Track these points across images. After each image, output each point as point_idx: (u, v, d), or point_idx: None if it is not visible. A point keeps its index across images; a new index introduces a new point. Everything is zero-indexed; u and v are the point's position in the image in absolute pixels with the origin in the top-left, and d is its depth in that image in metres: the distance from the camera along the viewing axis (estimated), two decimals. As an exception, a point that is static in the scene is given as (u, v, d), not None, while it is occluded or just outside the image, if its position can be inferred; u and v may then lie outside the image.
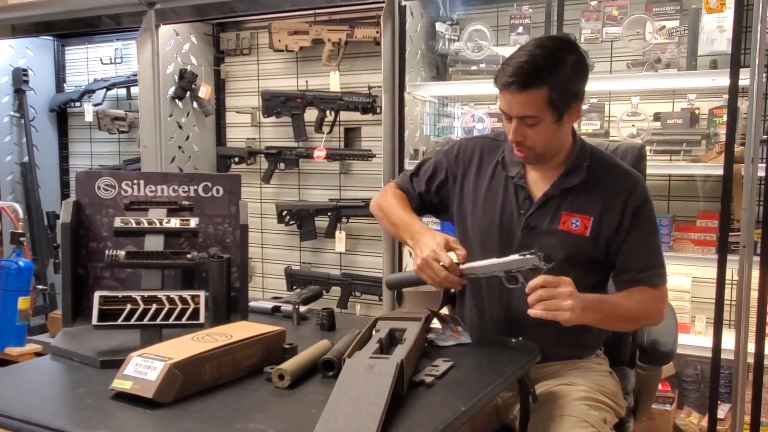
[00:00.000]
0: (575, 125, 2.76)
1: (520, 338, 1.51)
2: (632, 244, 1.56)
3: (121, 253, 1.40)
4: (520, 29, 2.79)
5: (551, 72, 1.46)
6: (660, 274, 1.58)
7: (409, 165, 2.85)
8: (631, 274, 1.57)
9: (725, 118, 2.37)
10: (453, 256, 1.51)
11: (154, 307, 1.34)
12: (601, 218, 1.57)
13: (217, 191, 1.59)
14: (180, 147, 3.50)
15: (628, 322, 1.63)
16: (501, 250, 1.60)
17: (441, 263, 1.48)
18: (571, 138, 1.63)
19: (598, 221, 1.56)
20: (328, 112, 3.27)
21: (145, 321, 1.33)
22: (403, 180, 1.82)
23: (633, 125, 2.71)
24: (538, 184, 1.62)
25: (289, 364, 1.22)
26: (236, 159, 3.56)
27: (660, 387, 2.57)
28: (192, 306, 1.35)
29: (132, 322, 1.33)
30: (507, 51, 2.61)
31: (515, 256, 1.44)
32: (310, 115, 3.33)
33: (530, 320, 1.58)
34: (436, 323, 1.53)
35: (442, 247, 1.50)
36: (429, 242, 1.52)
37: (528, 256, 1.42)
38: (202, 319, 1.34)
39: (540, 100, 1.46)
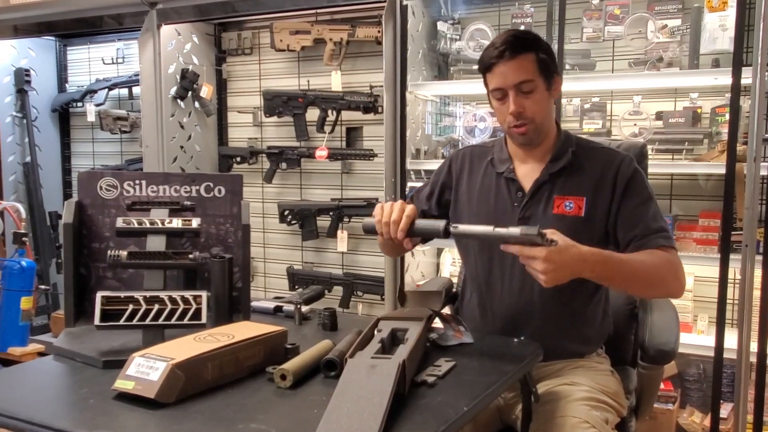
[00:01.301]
0: (577, 125, 2.77)
1: (522, 338, 1.51)
2: (629, 214, 1.57)
3: (123, 253, 1.40)
4: (522, 28, 2.79)
5: (535, 41, 1.59)
6: (665, 236, 1.55)
7: (411, 164, 2.85)
8: (634, 241, 1.55)
9: (727, 116, 2.37)
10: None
11: (156, 307, 1.34)
12: (594, 197, 1.59)
13: (219, 191, 1.59)
14: (182, 147, 3.50)
15: (641, 281, 1.51)
16: (499, 246, 1.60)
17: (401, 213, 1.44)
18: (556, 127, 1.68)
19: (591, 200, 1.58)
20: (329, 112, 3.28)
21: (148, 321, 1.33)
22: None
23: (635, 124, 2.71)
24: (528, 175, 1.65)
25: (291, 364, 1.22)
26: (238, 159, 3.56)
27: (662, 386, 2.57)
28: (194, 306, 1.35)
29: (134, 322, 1.33)
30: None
31: (516, 231, 1.33)
32: (312, 114, 3.33)
33: (531, 317, 1.60)
34: (438, 323, 1.53)
35: (409, 207, 1.46)
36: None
37: (529, 234, 1.31)
38: (204, 320, 1.34)
39: (531, 64, 1.55)
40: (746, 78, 2.24)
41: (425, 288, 1.61)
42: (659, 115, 2.69)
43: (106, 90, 3.89)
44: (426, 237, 1.54)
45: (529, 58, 1.55)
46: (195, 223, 1.49)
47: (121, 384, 1.13)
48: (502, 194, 1.66)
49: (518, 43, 1.55)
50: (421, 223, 1.45)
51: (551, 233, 1.33)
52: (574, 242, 1.36)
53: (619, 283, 1.51)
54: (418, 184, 2.86)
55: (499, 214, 1.64)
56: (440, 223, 1.39)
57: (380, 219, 1.46)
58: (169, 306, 1.35)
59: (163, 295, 1.36)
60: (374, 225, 1.49)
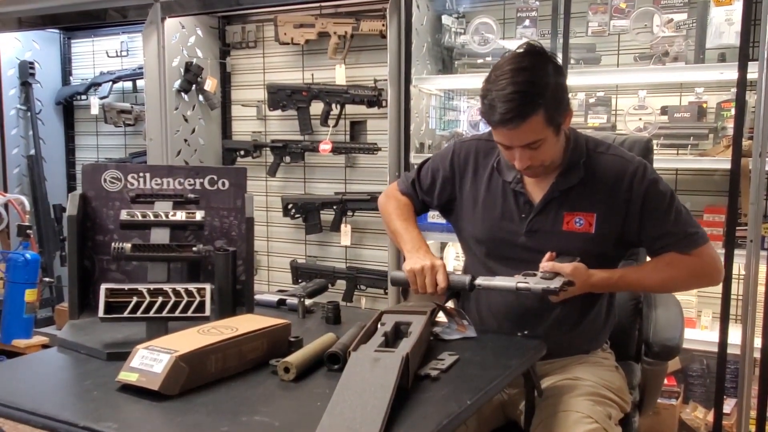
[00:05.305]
0: (582, 119, 2.76)
1: (526, 332, 1.51)
2: (654, 227, 1.56)
3: (127, 245, 1.40)
4: (527, 22, 2.78)
5: (542, 93, 1.42)
6: (688, 240, 1.56)
7: (415, 159, 2.84)
8: (658, 250, 1.58)
9: (733, 111, 2.36)
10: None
11: (160, 299, 1.34)
12: (606, 212, 1.56)
13: (223, 184, 1.59)
14: (186, 140, 3.50)
15: (655, 291, 1.79)
16: (506, 253, 1.61)
17: (436, 281, 1.53)
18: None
19: (602, 216, 1.56)
20: (333, 106, 3.27)
21: (151, 314, 1.33)
22: (406, 185, 1.83)
23: (640, 119, 2.70)
24: (537, 186, 1.61)
25: (295, 357, 1.22)
26: (242, 152, 3.56)
27: (666, 381, 2.57)
28: (198, 299, 1.35)
29: (138, 314, 1.33)
30: (513, 44, 2.60)
31: (537, 287, 1.42)
32: (316, 108, 3.33)
33: (535, 313, 1.59)
34: (441, 317, 1.53)
35: (440, 270, 1.54)
36: (422, 260, 1.56)
37: (551, 289, 1.41)
38: (207, 312, 1.34)
39: (540, 124, 1.44)
40: (752, 73, 2.23)
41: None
42: (664, 110, 2.68)
43: (110, 83, 3.89)
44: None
45: (537, 120, 1.42)
46: (199, 215, 1.49)
47: (125, 376, 1.13)
48: (509, 205, 1.62)
49: (525, 103, 1.40)
50: (451, 278, 1.55)
51: (571, 271, 1.46)
52: (587, 270, 1.50)
53: (632, 293, 1.76)
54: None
55: (506, 224, 1.62)
56: (466, 279, 1.52)
57: (416, 288, 1.55)
58: (173, 298, 1.35)
59: (166, 287, 1.36)
60: (404, 281, 1.57)
